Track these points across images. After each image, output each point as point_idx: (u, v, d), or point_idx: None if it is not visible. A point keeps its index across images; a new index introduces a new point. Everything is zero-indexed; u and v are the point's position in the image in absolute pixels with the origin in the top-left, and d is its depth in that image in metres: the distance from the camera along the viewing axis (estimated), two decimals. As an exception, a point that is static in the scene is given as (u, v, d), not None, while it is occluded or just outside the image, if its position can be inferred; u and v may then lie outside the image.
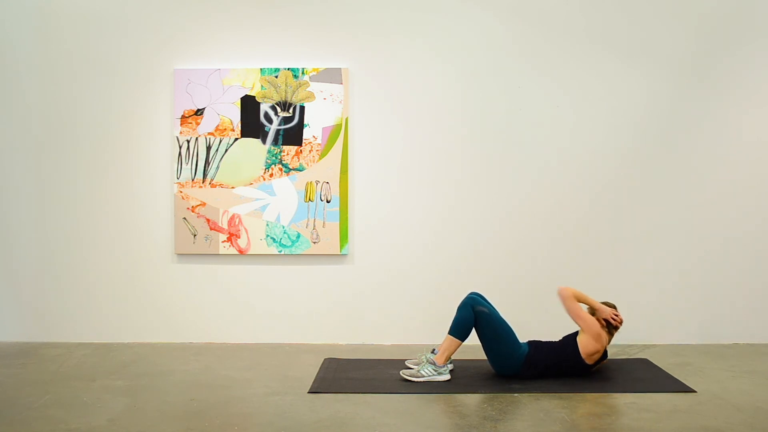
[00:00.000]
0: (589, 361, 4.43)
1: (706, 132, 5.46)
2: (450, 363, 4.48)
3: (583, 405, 3.95)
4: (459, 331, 4.41)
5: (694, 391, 4.18)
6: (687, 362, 4.88)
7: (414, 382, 4.36)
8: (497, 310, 4.49)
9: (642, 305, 5.45)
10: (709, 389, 4.24)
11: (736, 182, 5.47)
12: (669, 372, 4.60)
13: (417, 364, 4.57)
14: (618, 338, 5.37)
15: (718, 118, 5.46)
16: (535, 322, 5.30)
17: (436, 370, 4.40)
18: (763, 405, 3.95)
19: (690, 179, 5.48)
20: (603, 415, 3.79)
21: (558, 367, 4.43)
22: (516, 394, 4.13)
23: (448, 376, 4.41)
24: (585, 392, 4.17)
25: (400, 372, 4.47)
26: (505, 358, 4.41)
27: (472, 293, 4.59)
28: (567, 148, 5.47)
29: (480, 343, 4.49)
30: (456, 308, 4.57)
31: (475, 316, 4.39)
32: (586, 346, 4.42)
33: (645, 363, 4.86)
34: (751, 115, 5.47)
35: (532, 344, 4.51)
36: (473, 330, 4.45)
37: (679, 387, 4.28)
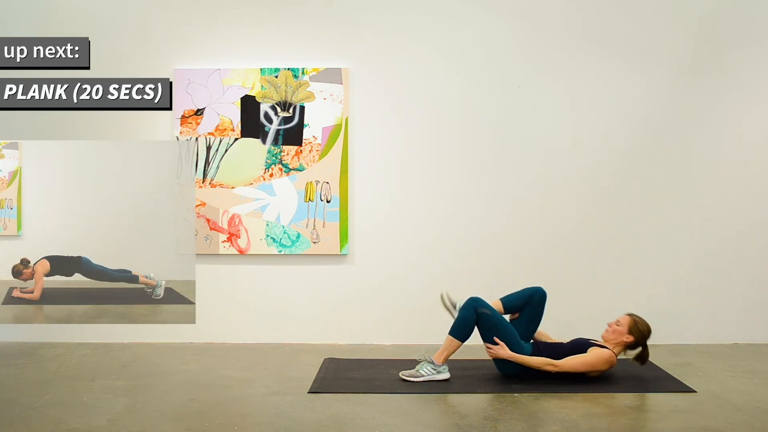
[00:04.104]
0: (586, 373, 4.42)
1: (706, 132, 5.46)
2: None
3: (583, 405, 3.95)
4: (459, 331, 4.40)
5: (694, 391, 4.18)
6: (687, 362, 4.88)
7: (413, 382, 4.36)
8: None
9: (642, 305, 5.43)
10: (709, 389, 4.23)
11: (736, 182, 5.47)
12: (669, 372, 4.60)
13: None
14: (618, 338, 5.40)
15: (718, 118, 5.45)
16: (535, 322, 5.31)
17: (435, 369, 4.39)
18: (763, 405, 3.95)
19: (690, 179, 5.47)
20: (603, 415, 3.79)
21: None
22: (516, 394, 4.13)
23: (447, 375, 4.40)
24: (585, 392, 4.17)
25: (399, 373, 4.46)
26: (508, 361, 4.40)
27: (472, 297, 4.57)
28: (567, 148, 5.47)
29: (481, 343, 4.49)
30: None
31: (477, 317, 4.39)
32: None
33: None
34: (752, 115, 5.47)
35: (536, 345, 4.51)
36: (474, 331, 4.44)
37: (679, 387, 4.28)
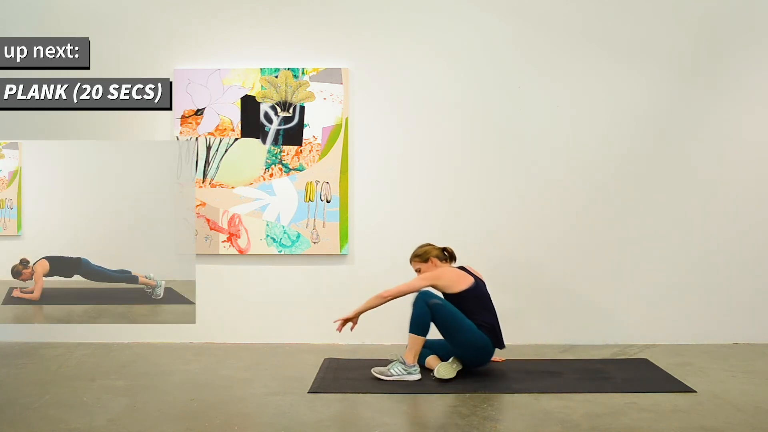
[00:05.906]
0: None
1: (706, 132, 5.46)
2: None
3: (583, 405, 3.94)
4: (418, 327, 4.43)
5: (694, 391, 4.18)
6: (687, 362, 4.88)
7: (383, 380, 4.37)
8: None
9: (642, 305, 5.45)
10: (709, 389, 4.23)
11: (736, 182, 5.47)
12: (669, 372, 4.60)
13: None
14: (618, 338, 5.40)
15: (718, 118, 5.45)
16: (535, 322, 5.31)
17: (405, 369, 4.40)
18: (763, 405, 3.95)
19: (690, 179, 5.47)
20: (603, 415, 3.78)
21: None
22: (516, 394, 4.13)
23: (418, 376, 4.40)
24: (585, 392, 4.17)
25: (371, 370, 4.47)
26: (473, 347, 4.43)
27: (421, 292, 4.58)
28: (567, 148, 5.47)
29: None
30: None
31: (429, 309, 4.41)
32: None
33: (645, 363, 4.86)
34: (751, 115, 5.46)
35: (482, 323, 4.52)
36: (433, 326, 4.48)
37: (679, 387, 4.28)
